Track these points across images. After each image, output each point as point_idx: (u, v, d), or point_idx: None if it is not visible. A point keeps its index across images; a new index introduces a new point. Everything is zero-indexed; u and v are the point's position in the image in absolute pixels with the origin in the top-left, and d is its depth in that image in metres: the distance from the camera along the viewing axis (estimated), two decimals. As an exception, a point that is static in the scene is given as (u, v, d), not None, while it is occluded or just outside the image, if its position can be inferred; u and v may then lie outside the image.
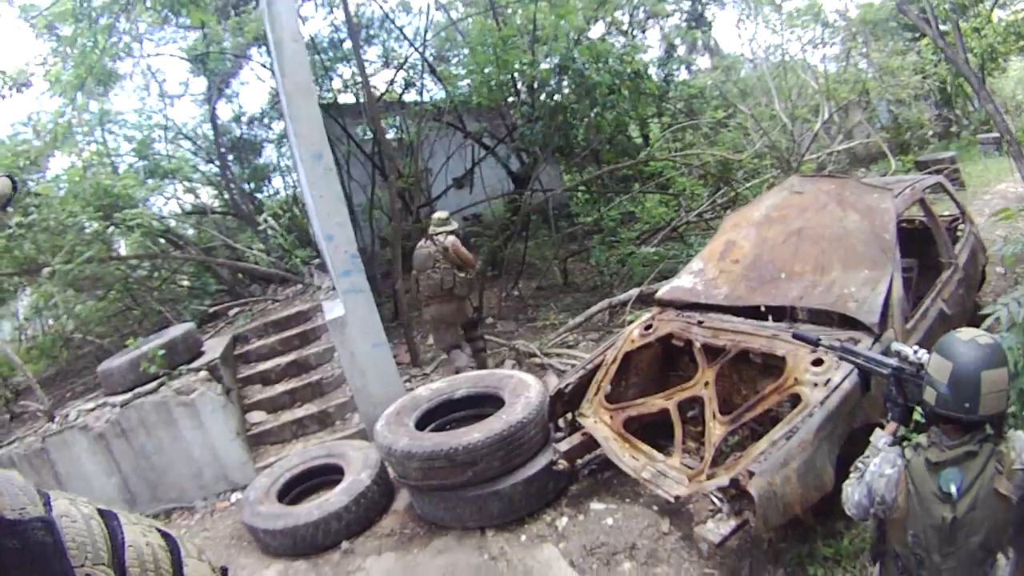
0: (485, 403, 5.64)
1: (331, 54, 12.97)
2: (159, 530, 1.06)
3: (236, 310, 9.94)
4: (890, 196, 5.14)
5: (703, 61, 21.06)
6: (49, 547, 0.84)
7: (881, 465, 2.51)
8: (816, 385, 3.83)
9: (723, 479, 3.62)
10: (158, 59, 13.51)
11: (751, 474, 3.37)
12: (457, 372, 6.98)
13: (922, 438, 2.48)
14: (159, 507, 6.83)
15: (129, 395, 6.78)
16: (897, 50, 16.41)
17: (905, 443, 2.55)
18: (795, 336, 3.63)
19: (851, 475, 2.69)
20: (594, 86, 9.99)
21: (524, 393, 5.17)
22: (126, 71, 12.16)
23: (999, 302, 3.19)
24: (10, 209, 7.55)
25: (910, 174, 11.23)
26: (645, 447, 4.41)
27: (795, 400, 3.93)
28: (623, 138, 14.08)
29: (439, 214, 7.51)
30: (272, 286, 10.60)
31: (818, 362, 3.96)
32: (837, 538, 3.97)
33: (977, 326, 3.31)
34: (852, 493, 2.61)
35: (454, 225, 7.42)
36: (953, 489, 2.28)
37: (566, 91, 11.12)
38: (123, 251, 11.04)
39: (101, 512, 0.98)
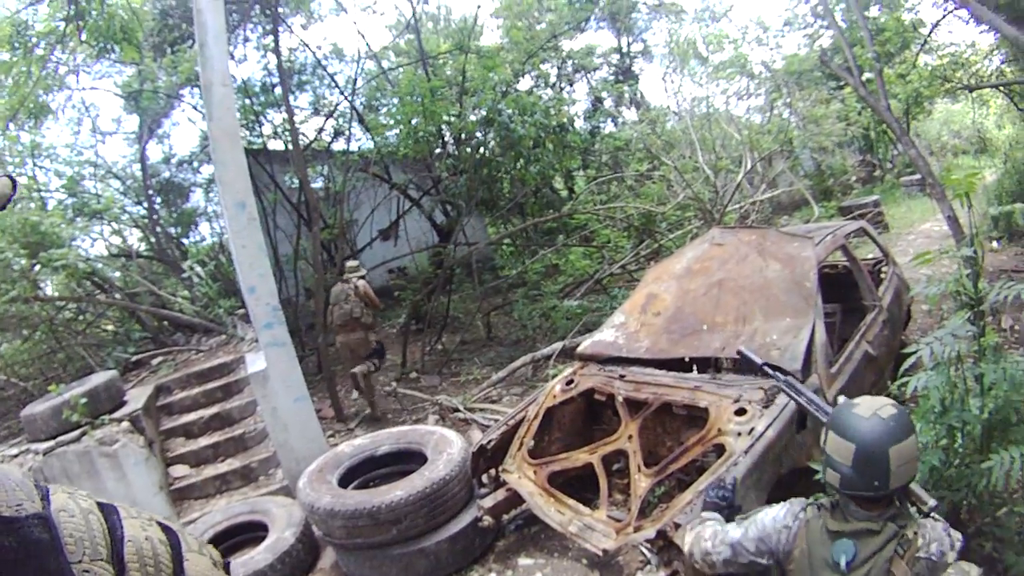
0: (408, 459, 5.56)
1: (263, 98, 12.87)
2: (160, 524, 1.05)
3: (159, 359, 9.64)
4: (811, 244, 5.24)
5: (629, 114, 21.53)
6: (45, 544, 0.83)
7: (785, 516, 2.49)
8: (740, 434, 3.84)
9: (650, 531, 3.58)
10: (93, 93, 13.31)
11: (677, 526, 3.34)
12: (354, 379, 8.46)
13: (826, 499, 2.48)
14: None
15: (52, 443, 6.52)
16: (821, 99, 16.94)
17: (810, 501, 2.54)
18: (740, 354, 3.66)
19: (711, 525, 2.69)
20: (519, 139, 10.10)
21: (447, 449, 5.10)
22: (59, 104, 11.91)
23: (922, 341, 3.25)
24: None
25: (833, 220, 11.57)
26: (571, 501, 4.36)
27: (720, 450, 3.93)
28: (548, 191, 14.31)
29: (352, 263, 8.88)
30: (196, 335, 10.35)
31: (741, 411, 3.99)
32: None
33: (898, 367, 3.37)
34: (727, 536, 2.60)
35: (364, 272, 8.81)
36: (843, 562, 2.25)
37: (491, 144, 11.20)
38: (50, 291, 10.73)
39: (101, 506, 0.98)
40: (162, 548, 1.00)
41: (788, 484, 3.94)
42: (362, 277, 8.64)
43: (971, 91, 18.82)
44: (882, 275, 6.74)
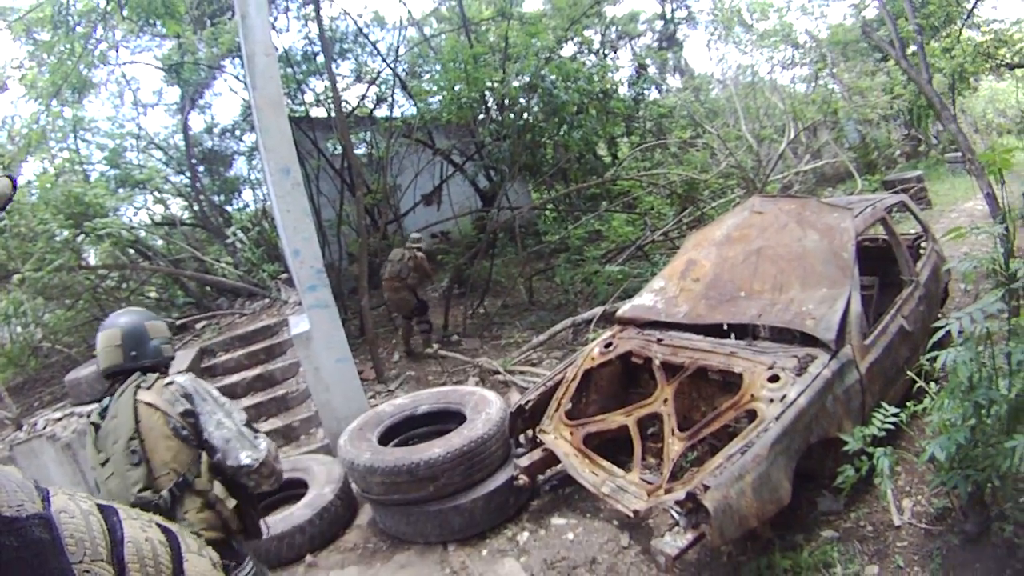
0: (447, 419, 5.67)
1: (304, 67, 13.00)
2: (160, 525, 1.07)
3: (203, 323, 9.87)
4: (850, 216, 5.23)
5: (674, 81, 21.26)
6: (47, 544, 0.84)
7: None
8: (772, 401, 3.89)
9: (680, 493, 3.64)
10: (133, 67, 13.52)
11: (706, 488, 3.39)
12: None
13: None
14: None
15: (96, 405, 6.69)
16: (866, 70, 16.64)
17: None
18: None
19: None
20: (562, 105, 10.12)
21: (485, 409, 5.20)
22: (101, 79, 12.14)
23: (951, 316, 3.23)
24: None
25: (876, 193, 11.39)
26: (605, 463, 4.44)
27: (752, 416, 3.97)
28: (591, 157, 14.23)
29: (415, 234, 9.46)
30: (239, 300, 10.53)
31: (774, 378, 4.03)
32: (796, 550, 4.00)
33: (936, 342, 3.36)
34: None
35: (423, 244, 9.20)
36: None
37: (535, 110, 11.20)
38: (93, 260, 10.95)
39: (101, 508, 0.98)
40: (162, 549, 1.02)
41: (819, 455, 3.99)
42: (420, 249, 9.31)
43: (1012, 69, 18.35)
44: (921, 251, 6.67)
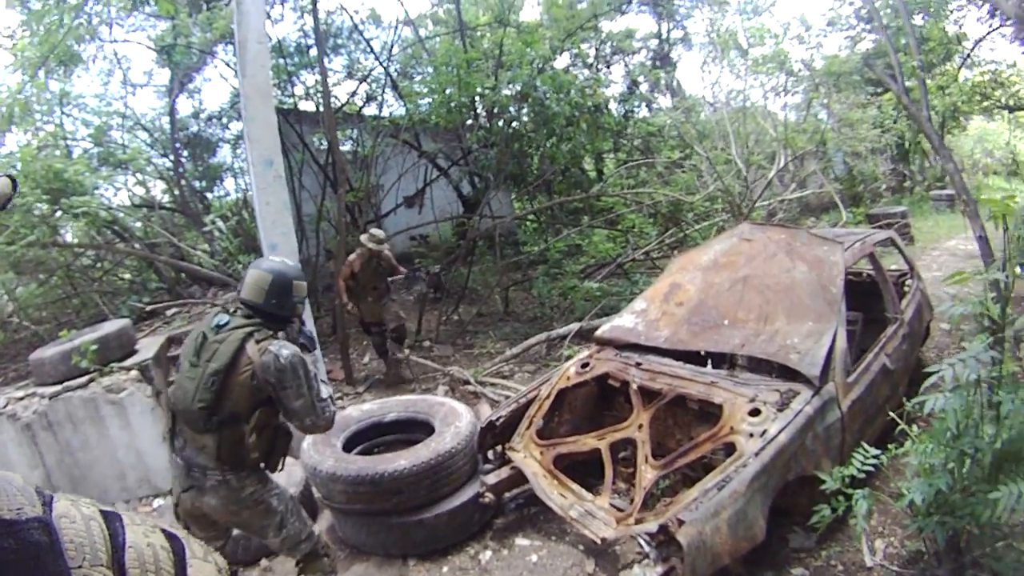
0: (415, 428, 5.52)
1: (297, 59, 12.85)
2: (164, 531, 1.07)
3: (174, 310, 9.64)
4: (839, 249, 5.16)
5: (664, 100, 21.27)
6: (45, 547, 0.84)
7: None
8: (752, 436, 3.79)
9: (652, 525, 3.54)
10: (125, 46, 13.21)
11: (681, 522, 3.30)
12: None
13: None
14: None
15: (59, 387, 6.51)
16: (858, 103, 16.70)
17: None
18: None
19: None
20: (553, 116, 10.06)
21: (455, 422, 5.05)
22: (90, 54, 11.91)
23: (945, 362, 3.17)
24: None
25: (860, 226, 11.42)
26: (574, 486, 4.33)
27: (730, 449, 3.88)
28: (577, 171, 14.13)
29: (380, 232, 8.44)
30: (213, 289, 10.36)
31: (755, 412, 3.94)
32: (765, 588, 3.91)
33: (919, 382, 3.30)
34: None
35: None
36: None
37: (525, 119, 11.15)
38: (70, 238, 10.75)
39: (104, 513, 0.99)
40: (164, 554, 1.02)
41: (793, 491, 3.90)
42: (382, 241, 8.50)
43: (1011, 111, 18.53)
44: (905, 288, 6.63)
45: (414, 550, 4.76)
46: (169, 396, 3.44)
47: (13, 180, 1.13)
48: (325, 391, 3.40)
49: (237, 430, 3.22)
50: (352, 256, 8.36)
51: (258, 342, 3.22)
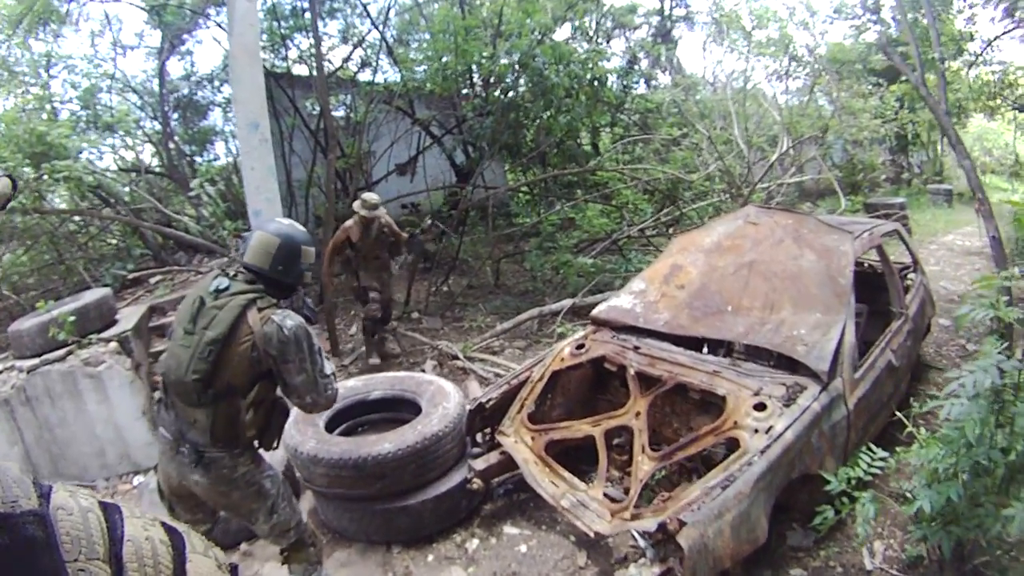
0: (401, 407, 5.33)
1: (291, 22, 12.58)
2: (164, 524, 1.04)
3: (158, 278, 9.45)
4: (849, 239, 4.96)
5: (663, 78, 21.00)
6: (39, 541, 0.82)
7: None
8: (757, 431, 3.61)
9: (650, 523, 3.35)
10: (116, 6, 12.91)
11: (682, 523, 3.12)
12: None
13: None
14: (60, 483, 6.38)
15: (37, 361, 6.33)
16: (860, 92, 16.49)
17: None
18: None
19: None
20: (551, 87, 9.86)
21: (442, 403, 4.84)
22: (77, 12, 11.65)
23: (964, 368, 3.03)
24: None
25: (858, 215, 11.27)
26: (566, 474, 4.14)
27: (731, 443, 3.70)
28: (573, 143, 13.94)
29: (373, 196, 7.86)
30: (198, 256, 10.13)
31: (760, 406, 3.75)
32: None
33: (920, 378, 3.16)
34: None
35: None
36: None
37: (522, 89, 10.93)
38: (57, 203, 10.56)
39: (103, 505, 0.96)
40: (163, 548, 0.98)
41: (794, 488, 3.73)
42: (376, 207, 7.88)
43: (1021, 111, 18.41)
44: (908, 282, 6.46)
45: (398, 537, 4.58)
46: (159, 366, 3.30)
47: (13, 180, 1.12)
48: (328, 367, 3.21)
49: (233, 404, 3.04)
50: (348, 223, 7.81)
51: (260, 310, 3.03)
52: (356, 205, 7.80)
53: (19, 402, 6.22)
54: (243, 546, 4.76)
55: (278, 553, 3.55)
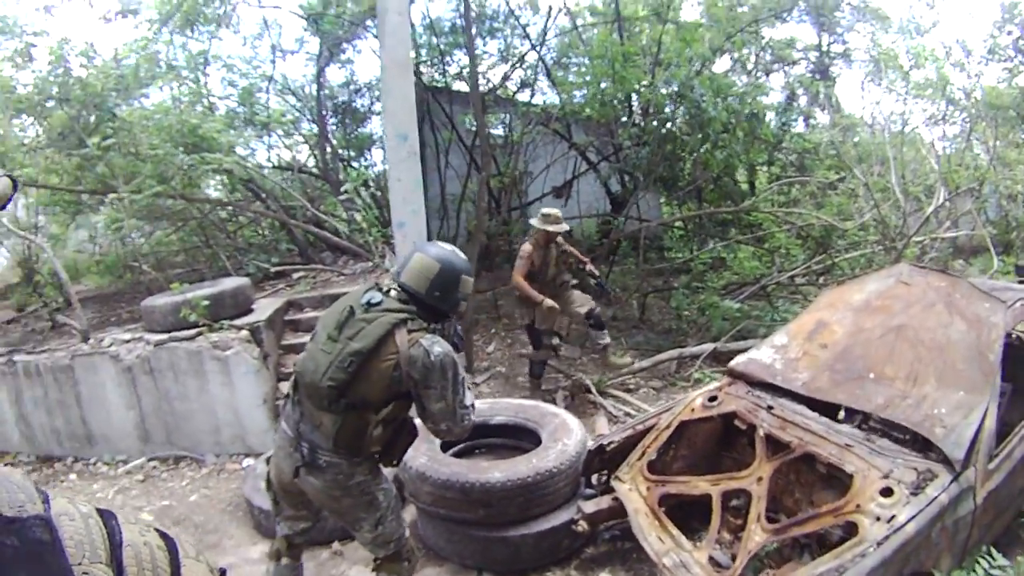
0: (521, 435, 5.31)
1: (450, 39, 12.93)
2: (158, 531, 1.08)
3: (300, 274, 9.81)
4: (1002, 309, 4.47)
5: (822, 117, 20.22)
6: (47, 545, 0.84)
7: None
8: (879, 519, 3.32)
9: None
10: (276, 12, 13.50)
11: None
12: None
13: None
14: (171, 452, 6.81)
15: (165, 336, 6.73)
16: (1014, 141, 15.37)
17: None
18: None
19: None
20: (709, 120, 9.60)
21: (563, 439, 4.77)
22: (229, 15, 12.25)
23: None
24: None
25: (1008, 277, 10.47)
26: (675, 530, 3.94)
27: (849, 526, 3.45)
28: (729, 180, 13.59)
29: (554, 210, 7.36)
30: (343, 258, 10.40)
31: (887, 491, 3.44)
32: None
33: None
34: None
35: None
36: None
37: (679, 121, 10.73)
38: (212, 193, 11.18)
39: (100, 511, 0.99)
40: (160, 554, 1.02)
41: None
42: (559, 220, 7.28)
43: None
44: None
45: (492, 566, 4.54)
46: (296, 364, 3.34)
47: (14, 180, 1.12)
48: (469, 397, 3.22)
49: (363, 417, 3.08)
50: (526, 248, 7.06)
51: (410, 332, 3.04)
52: (535, 221, 7.16)
53: (142, 371, 6.62)
54: (335, 544, 4.89)
55: (371, 559, 3.56)
